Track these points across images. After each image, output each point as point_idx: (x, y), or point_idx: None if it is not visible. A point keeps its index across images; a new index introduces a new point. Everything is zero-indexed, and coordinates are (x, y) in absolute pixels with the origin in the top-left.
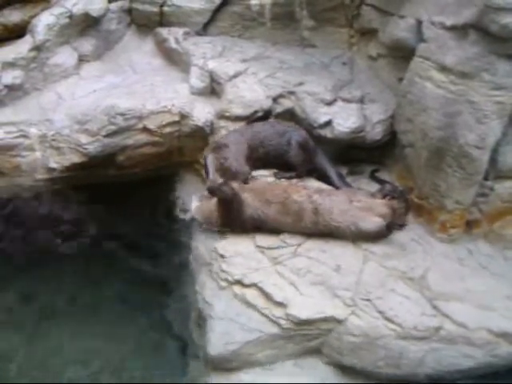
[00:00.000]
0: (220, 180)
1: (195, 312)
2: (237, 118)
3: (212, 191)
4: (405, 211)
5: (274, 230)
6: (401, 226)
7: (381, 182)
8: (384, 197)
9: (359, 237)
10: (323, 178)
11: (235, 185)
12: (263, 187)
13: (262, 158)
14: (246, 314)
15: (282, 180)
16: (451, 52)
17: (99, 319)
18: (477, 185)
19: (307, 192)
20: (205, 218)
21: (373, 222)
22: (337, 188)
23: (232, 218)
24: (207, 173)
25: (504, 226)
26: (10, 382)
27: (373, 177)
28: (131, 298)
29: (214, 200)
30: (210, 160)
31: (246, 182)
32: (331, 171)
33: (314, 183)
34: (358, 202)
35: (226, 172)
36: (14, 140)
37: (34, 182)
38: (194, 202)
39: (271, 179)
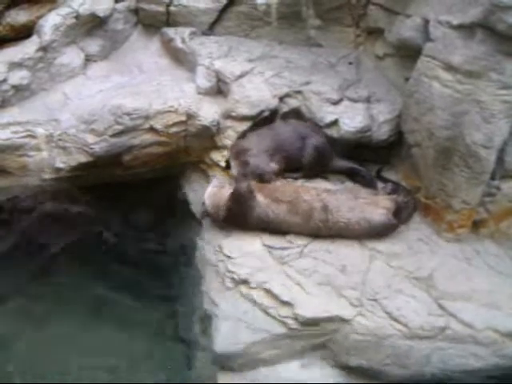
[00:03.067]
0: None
1: (201, 311)
2: (243, 118)
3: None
4: (411, 209)
5: (281, 230)
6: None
7: (386, 181)
8: (387, 194)
9: (369, 231)
10: (344, 173)
11: (253, 184)
12: (274, 186)
13: (283, 160)
14: (252, 314)
15: (289, 180)
16: (458, 51)
17: (104, 318)
18: (484, 184)
19: (316, 191)
20: (213, 206)
21: (379, 214)
22: (363, 174)
23: (238, 214)
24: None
25: (511, 225)
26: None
27: (379, 176)
28: (136, 296)
29: (228, 191)
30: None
31: (270, 180)
32: (350, 164)
33: (321, 184)
34: (363, 199)
35: (252, 173)
36: (21, 140)
37: (41, 182)
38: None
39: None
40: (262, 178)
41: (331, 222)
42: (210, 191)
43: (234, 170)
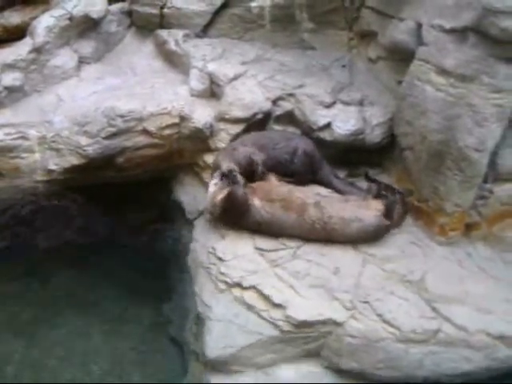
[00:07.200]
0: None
1: (194, 314)
2: (236, 120)
3: (227, 176)
4: (404, 211)
5: (276, 232)
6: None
7: (373, 181)
8: (376, 197)
9: (363, 231)
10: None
11: (247, 190)
12: (270, 187)
13: (268, 160)
14: (245, 317)
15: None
16: (451, 55)
17: (97, 321)
18: (476, 188)
19: (310, 189)
20: (211, 205)
21: (371, 216)
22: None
23: (231, 216)
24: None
25: (503, 228)
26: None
27: (368, 179)
28: (130, 299)
29: (224, 192)
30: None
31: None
32: (336, 182)
33: (315, 188)
34: (354, 201)
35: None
36: (14, 141)
37: (33, 184)
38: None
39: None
40: (251, 167)
41: (326, 216)
42: (214, 187)
43: (224, 164)
